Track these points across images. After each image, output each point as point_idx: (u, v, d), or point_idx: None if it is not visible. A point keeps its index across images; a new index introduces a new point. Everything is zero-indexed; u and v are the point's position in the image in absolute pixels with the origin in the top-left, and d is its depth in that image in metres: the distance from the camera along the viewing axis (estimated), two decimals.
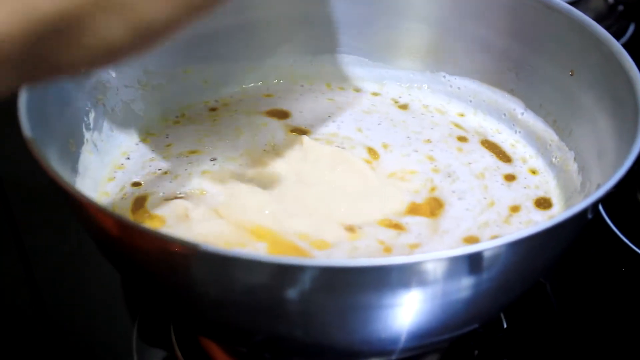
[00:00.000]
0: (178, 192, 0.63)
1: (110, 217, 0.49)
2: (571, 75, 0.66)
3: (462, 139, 0.71)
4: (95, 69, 0.40)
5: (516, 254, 0.49)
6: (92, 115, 0.65)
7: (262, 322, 0.51)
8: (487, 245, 0.47)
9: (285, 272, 0.46)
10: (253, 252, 0.57)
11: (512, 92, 0.71)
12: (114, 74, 0.67)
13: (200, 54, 0.73)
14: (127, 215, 0.62)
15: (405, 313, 0.49)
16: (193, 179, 0.65)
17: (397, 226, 0.61)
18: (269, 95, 0.75)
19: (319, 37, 0.75)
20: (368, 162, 0.68)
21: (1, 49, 0.35)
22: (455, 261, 0.46)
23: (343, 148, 0.69)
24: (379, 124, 0.72)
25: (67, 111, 0.61)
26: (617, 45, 0.61)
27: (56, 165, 0.54)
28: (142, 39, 0.37)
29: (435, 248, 0.59)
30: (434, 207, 0.63)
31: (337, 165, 0.66)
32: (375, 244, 0.59)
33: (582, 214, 0.49)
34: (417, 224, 0.61)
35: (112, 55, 0.38)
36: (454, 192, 0.65)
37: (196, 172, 0.65)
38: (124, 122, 0.69)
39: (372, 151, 0.69)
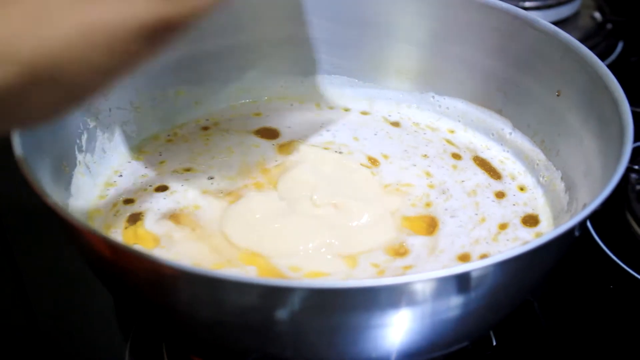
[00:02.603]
0: (174, 209, 0.64)
1: (101, 240, 0.49)
2: (558, 95, 0.67)
3: (456, 156, 0.71)
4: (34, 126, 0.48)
5: (504, 273, 0.49)
6: (84, 137, 0.65)
7: (253, 343, 0.51)
8: (474, 265, 0.47)
9: (276, 294, 0.46)
10: (243, 274, 0.57)
11: (500, 112, 0.72)
12: (105, 97, 0.68)
13: (192, 75, 0.73)
14: (120, 233, 0.62)
15: (395, 333, 0.50)
16: (189, 196, 0.65)
17: (397, 249, 0.61)
18: (258, 114, 0.75)
19: (309, 58, 0.76)
20: (368, 167, 0.69)
21: None
22: (443, 282, 0.47)
23: (341, 153, 0.70)
24: (375, 134, 0.73)
25: (59, 134, 0.62)
26: (602, 67, 0.62)
27: (49, 187, 0.54)
28: (75, 99, 0.42)
29: (430, 267, 0.59)
30: (429, 224, 0.64)
31: (337, 172, 0.67)
32: (370, 269, 0.60)
33: (568, 233, 0.50)
34: (418, 245, 0.62)
35: (48, 116, 0.42)
36: (446, 209, 0.65)
37: (192, 189, 0.65)
38: (116, 143, 0.69)
39: (372, 159, 0.70)
